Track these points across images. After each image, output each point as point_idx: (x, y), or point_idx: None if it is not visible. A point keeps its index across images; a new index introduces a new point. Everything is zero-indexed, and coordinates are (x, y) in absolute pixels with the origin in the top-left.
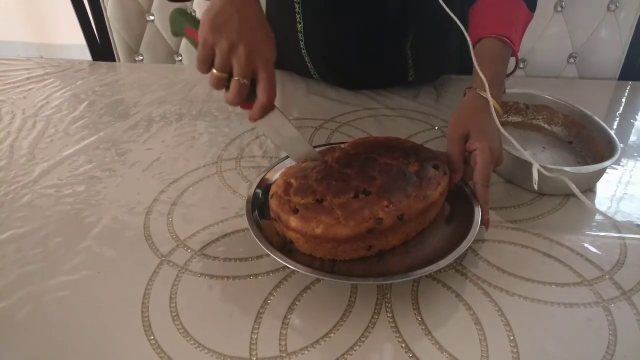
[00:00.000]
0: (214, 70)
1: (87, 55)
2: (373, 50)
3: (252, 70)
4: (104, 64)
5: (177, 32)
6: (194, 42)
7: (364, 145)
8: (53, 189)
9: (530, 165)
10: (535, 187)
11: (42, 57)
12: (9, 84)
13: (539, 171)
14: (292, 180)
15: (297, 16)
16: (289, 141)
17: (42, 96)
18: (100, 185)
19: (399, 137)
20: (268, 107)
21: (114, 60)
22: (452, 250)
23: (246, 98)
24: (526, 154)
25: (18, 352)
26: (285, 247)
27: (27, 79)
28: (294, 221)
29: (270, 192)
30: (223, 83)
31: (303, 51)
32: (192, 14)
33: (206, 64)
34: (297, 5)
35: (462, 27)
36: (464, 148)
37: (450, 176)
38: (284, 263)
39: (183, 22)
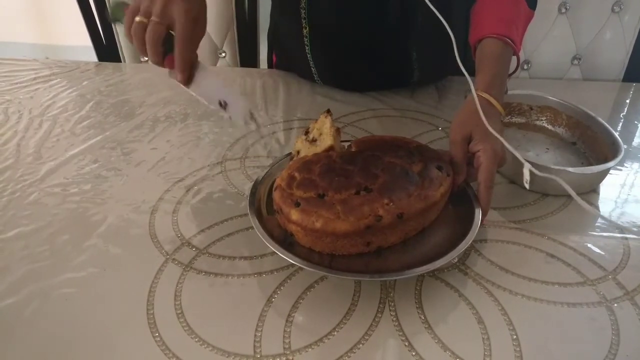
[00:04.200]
0: (137, 18)
1: (92, 57)
2: (378, 52)
3: (168, 18)
4: (109, 65)
5: (117, 17)
6: None
7: (370, 143)
8: (59, 188)
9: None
10: (527, 186)
11: (47, 58)
12: (16, 84)
13: (531, 171)
14: (296, 174)
15: (303, 21)
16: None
17: (49, 96)
18: (106, 184)
19: (405, 137)
20: (184, 57)
21: (120, 61)
22: (451, 249)
23: (167, 52)
24: (517, 153)
25: (24, 348)
26: (286, 240)
27: (34, 79)
28: (294, 214)
29: (275, 185)
30: (142, 30)
31: (308, 55)
32: None
33: (132, 15)
34: (302, 11)
35: (449, 29)
36: (466, 150)
37: (453, 178)
38: (291, 261)
39: (125, 5)
